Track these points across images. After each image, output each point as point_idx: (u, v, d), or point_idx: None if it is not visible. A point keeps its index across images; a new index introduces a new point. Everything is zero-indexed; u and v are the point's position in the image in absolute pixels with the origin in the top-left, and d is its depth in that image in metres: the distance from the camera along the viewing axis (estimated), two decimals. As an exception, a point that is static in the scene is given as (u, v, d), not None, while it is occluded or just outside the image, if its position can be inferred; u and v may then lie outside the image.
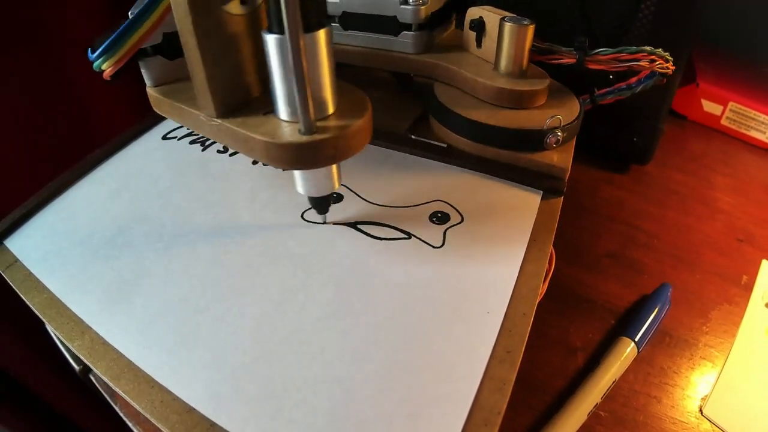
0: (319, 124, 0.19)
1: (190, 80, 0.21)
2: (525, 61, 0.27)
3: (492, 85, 0.27)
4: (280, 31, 0.17)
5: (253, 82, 0.21)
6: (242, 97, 0.21)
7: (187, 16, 0.18)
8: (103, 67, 0.20)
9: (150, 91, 0.23)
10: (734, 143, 0.48)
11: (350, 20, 0.30)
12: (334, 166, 0.22)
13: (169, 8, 0.19)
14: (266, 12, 0.18)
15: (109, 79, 0.21)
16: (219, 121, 0.20)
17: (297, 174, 0.22)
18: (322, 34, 0.18)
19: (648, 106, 0.38)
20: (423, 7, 0.28)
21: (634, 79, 0.28)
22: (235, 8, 0.19)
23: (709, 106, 0.49)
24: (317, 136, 0.19)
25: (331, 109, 0.20)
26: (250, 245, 0.23)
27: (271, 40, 0.18)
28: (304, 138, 0.19)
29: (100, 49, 0.20)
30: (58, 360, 0.28)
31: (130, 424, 0.26)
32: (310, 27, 0.17)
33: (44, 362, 0.42)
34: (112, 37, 0.20)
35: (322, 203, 0.23)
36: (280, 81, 0.19)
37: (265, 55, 0.18)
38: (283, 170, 0.26)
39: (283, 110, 0.19)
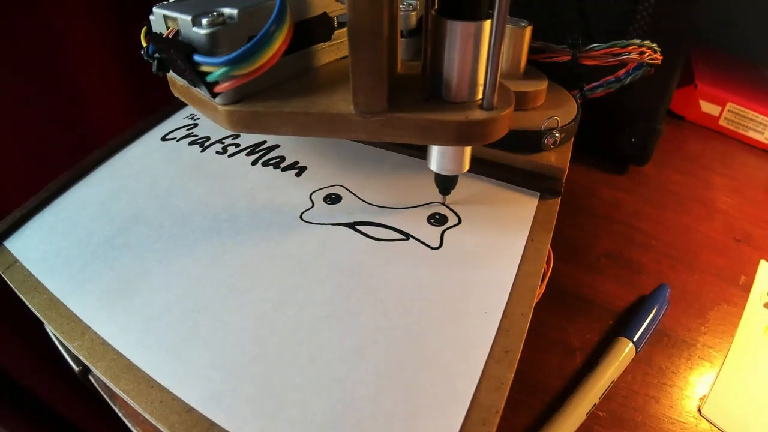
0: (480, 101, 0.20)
1: (273, 89, 0.21)
2: (523, 62, 0.27)
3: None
4: (470, 18, 0.18)
5: (393, 70, 0.21)
6: (391, 85, 0.21)
7: (372, 5, 0.17)
8: (235, 73, 0.17)
9: (234, 109, 0.20)
10: (732, 144, 0.48)
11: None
12: (469, 151, 0.23)
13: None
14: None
15: (219, 92, 0.18)
16: (387, 115, 0.20)
17: (440, 152, 0.22)
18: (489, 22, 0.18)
19: (646, 107, 0.38)
20: (413, 13, 0.27)
21: (622, 72, 0.29)
22: None
23: (707, 107, 0.49)
24: (499, 111, 0.20)
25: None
26: (248, 246, 0.23)
27: (462, 27, 0.18)
28: (494, 113, 0.19)
29: (231, 57, 0.17)
30: (57, 361, 0.28)
31: (129, 425, 0.26)
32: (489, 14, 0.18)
33: (43, 363, 0.42)
34: (254, 41, 0.17)
35: (449, 182, 0.24)
36: (461, 64, 0.19)
37: (438, 40, 0.19)
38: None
39: (450, 91, 0.20)
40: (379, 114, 0.20)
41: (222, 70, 0.17)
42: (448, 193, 0.25)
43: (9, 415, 0.42)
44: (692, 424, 0.25)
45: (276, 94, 0.21)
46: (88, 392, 0.29)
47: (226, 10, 0.19)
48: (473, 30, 0.18)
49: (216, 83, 0.18)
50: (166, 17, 0.20)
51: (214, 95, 0.19)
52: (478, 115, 0.19)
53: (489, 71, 0.19)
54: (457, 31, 0.18)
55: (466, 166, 0.23)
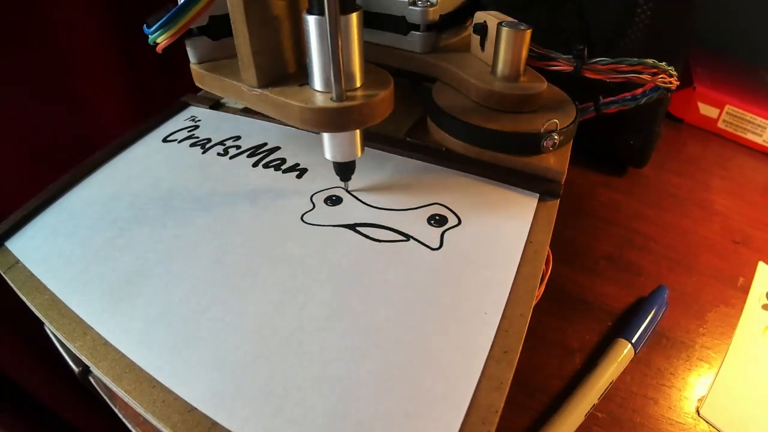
0: (348, 94, 0.22)
1: (230, 59, 0.26)
2: (521, 66, 0.27)
3: (487, 88, 0.27)
4: (320, 13, 0.20)
5: (290, 59, 0.24)
6: (280, 71, 0.24)
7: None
8: (159, 40, 0.23)
9: (194, 67, 0.26)
10: (731, 146, 0.49)
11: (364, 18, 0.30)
12: (357, 136, 0.24)
13: None
14: None
15: (160, 52, 0.23)
16: (260, 90, 0.23)
17: (326, 140, 0.24)
18: (354, 17, 0.21)
19: (645, 110, 0.38)
20: (431, 9, 0.28)
21: (639, 91, 0.28)
22: None
23: (706, 110, 0.49)
24: (346, 103, 0.22)
25: (359, 83, 0.22)
26: (250, 247, 0.24)
27: (312, 21, 0.20)
28: (335, 104, 0.21)
29: (157, 24, 0.22)
30: (57, 362, 0.28)
31: (129, 426, 0.26)
32: (346, 10, 0.20)
33: (43, 365, 0.42)
34: (170, 14, 0.22)
35: (345, 169, 0.26)
36: (317, 56, 0.21)
37: (304, 35, 0.21)
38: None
39: (317, 81, 0.22)
40: (255, 89, 0.24)
41: (151, 36, 0.23)
42: (348, 179, 0.26)
43: (9, 417, 0.42)
44: (690, 425, 0.26)
45: (222, 63, 0.26)
46: (88, 393, 0.29)
47: None
48: (314, 23, 0.20)
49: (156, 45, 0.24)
50: None
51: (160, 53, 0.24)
52: (320, 103, 0.22)
53: (331, 64, 0.20)
54: (305, 22, 0.21)
55: (358, 153, 0.25)
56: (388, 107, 0.23)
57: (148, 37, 0.24)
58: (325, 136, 0.24)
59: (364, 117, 0.22)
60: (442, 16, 0.29)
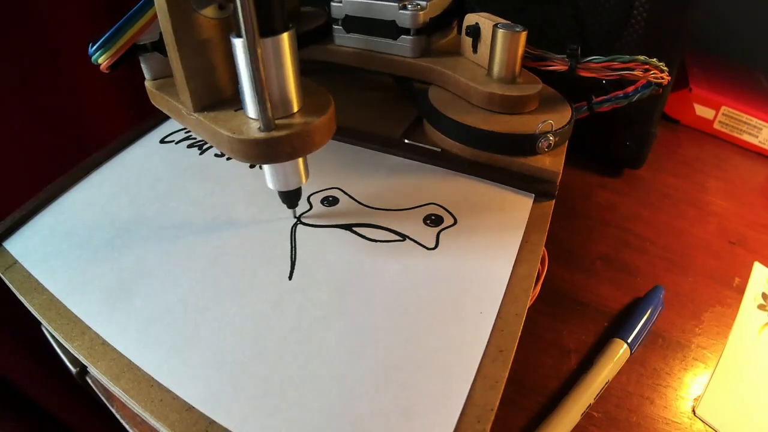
0: (282, 121, 0.20)
1: None
2: (517, 67, 0.27)
3: (484, 90, 0.27)
4: (235, 34, 0.19)
5: (226, 83, 0.23)
6: (216, 95, 0.22)
7: (167, 19, 0.20)
8: (100, 60, 0.22)
9: (147, 84, 0.25)
10: (727, 147, 0.49)
11: (352, 23, 0.30)
12: (300, 162, 0.23)
13: None
14: (234, 17, 0.19)
15: (107, 71, 0.23)
16: (196, 115, 0.22)
17: (266, 169, 0.23)
18: (285, 38, 0.19)
19: (641, 111, 0.38)
20: (421, 13, 0.28)
21: (631, 88, 0.28)
22: (211, 12, 0.21)
23: (702, 111, 0.50)
24: (275, 133, 0.20)
25: (295, 108, 0.21)
26: (247, 247, 0.24)
27: (236, 44, 0.19)
28: (263, 134, 0.20)
29: (97, 44, 0.22)
30: (55, 363, 0.28)
31: (127, 426, 0.26)
32: (273, 31, 0.19)
33: (41, 365, 0.42)
34: (109, 32, 0.22)
35: (290, 197, 0.24)
36: (246, 81, 0.20)
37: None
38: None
39: (249, 108, 0.21)
40: (192, 113, 0.22)
41: (93, 57, 0.22)
42: (294, 206, 0.25)
43: (9, 419, 0.42)
44: (686, 424, 0.26)
45: (172, 81, 0.23)
46: (86, 395, 0.29)
47: None
48: (238, 46, 0.19)
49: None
50: None
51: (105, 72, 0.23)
52: (248, 133, 0.20)
53: (254, 91, 0.19)
54: (233, 45, 0.19)
55: (302, 180, 0.23)
56: (327, 133, 0.22)
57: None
58: (265, 166, 0.23)
59: (295, 148, 0.20)
60: (431, 19, 0.29)
